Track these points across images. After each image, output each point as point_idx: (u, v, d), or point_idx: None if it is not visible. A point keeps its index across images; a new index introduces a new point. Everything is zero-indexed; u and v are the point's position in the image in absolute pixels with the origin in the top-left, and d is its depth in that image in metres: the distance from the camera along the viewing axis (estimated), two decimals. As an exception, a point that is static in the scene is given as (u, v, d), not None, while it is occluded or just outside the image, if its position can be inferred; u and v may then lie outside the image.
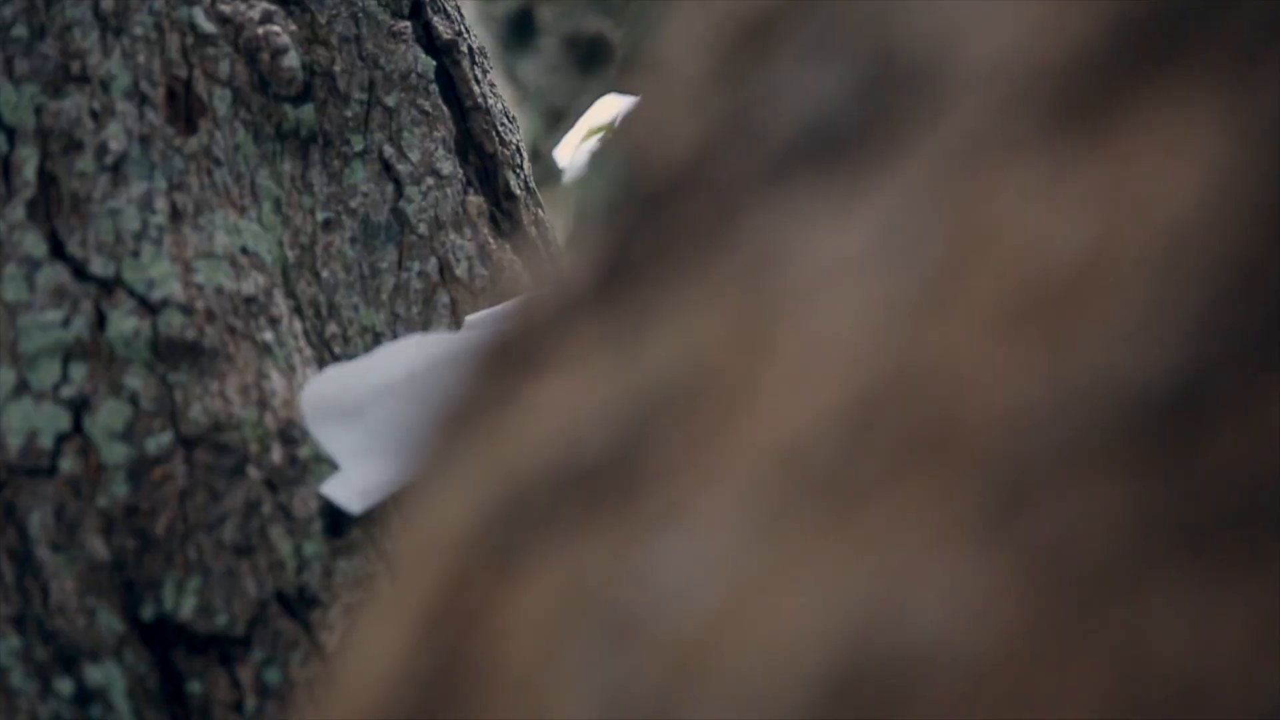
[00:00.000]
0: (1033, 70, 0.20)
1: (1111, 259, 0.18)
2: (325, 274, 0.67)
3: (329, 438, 0.60)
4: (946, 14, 0.21)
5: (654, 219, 0.22)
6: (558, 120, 1.84)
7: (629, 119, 0.26)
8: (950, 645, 0.18)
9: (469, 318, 0.66)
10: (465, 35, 0.74)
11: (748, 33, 0.23)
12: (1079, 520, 0.17)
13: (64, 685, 0.58)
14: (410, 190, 0.70)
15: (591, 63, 1.98)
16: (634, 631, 0.20)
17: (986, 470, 0.18)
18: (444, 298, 0.68)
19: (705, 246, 0.21)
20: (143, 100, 0.64)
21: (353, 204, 0.69)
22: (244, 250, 0.64)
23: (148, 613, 0.58)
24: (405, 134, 0.70)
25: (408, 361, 0.62)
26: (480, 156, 0.73)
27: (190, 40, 0.66)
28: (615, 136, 0.26)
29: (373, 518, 0.61)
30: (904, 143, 0.20)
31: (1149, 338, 0.18)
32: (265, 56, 0.67)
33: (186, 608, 0.58)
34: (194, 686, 0.58)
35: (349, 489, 0.60)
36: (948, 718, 0.18)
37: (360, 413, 0.61)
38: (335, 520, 0.61)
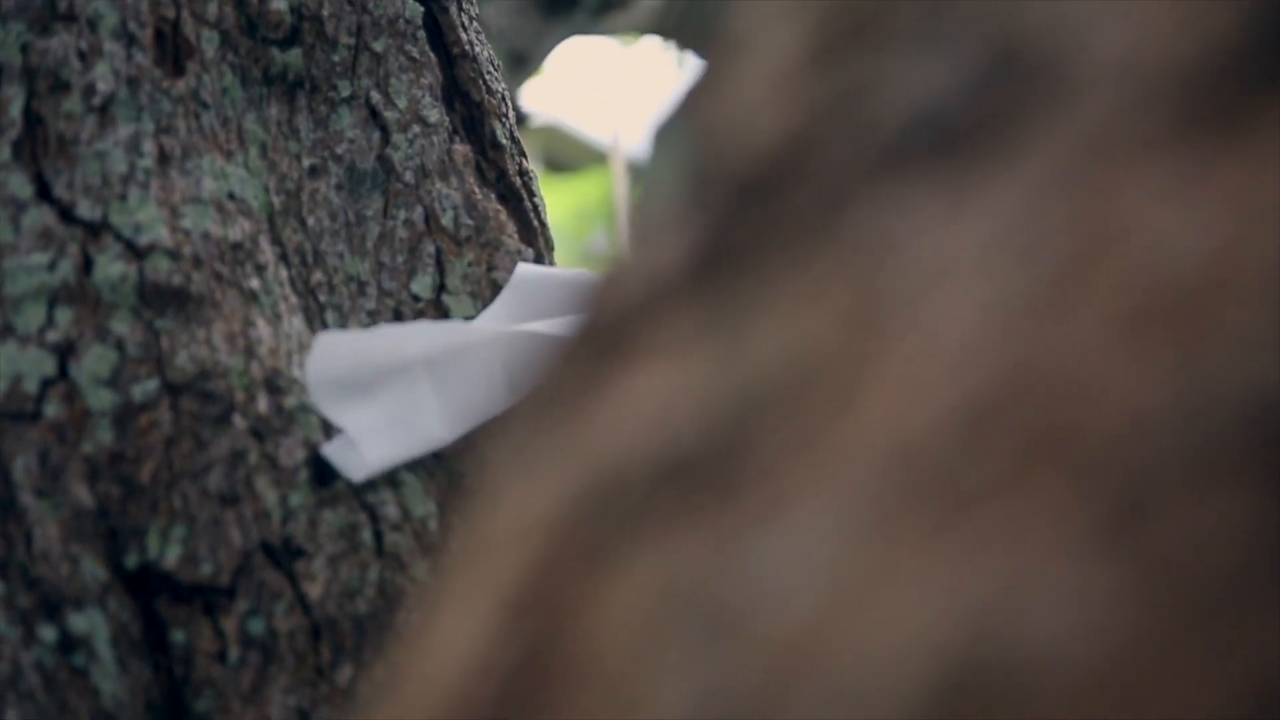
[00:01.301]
0: (1164, 69, 0.19)
1: (1242, 264, 0.18)
2: (311, 221, 0.66)
3: (337, 410, 0.60)
4: (1073, 7, 0.21)
5: (752, 207, 0.22)
6: (521, 63, 1.83)
7: (702, 98, 0.25)
8: (1064, 654, 0.18)
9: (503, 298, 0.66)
10: (453, -19, 0.73)
11: (852, 19, 0.22)
12: (1202, 532, 0.17)
13: (47, 633, 0.57)
14: (397, 137, 0.69)
15: (556, 6, 1.96)
16: (734, 629, 0.20)
17: (1107, 478, 0.18)
18: (429, 247, 0.68)
19: (810, 237, 0.21)
20: (130, 41, 0.63)
21: (339, 150, 0.68)
22: (231, 196, 0.63)
23: (132, 561, 0.58)
24: (392, 80, 0.69)
25: (425, 346, 0.62)
26: (466, 104, 0.72)
27: (178, -21, 0.65)
28: (683, 115, 0.26)
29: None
30: (1023, 139, 0.20)
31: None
32: (253, -2, 0.66)
33: (171, 556, 0.58)
34: (177, 636, 0.58)
35: (354, 458, 0.60)
36: (1062, 726, 0.18)
37: (371, 390, 0.61)
38: (321, 471, 0.61)
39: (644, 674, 0.20)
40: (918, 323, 0.19)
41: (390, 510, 0.61)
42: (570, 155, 4.03)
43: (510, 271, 0.69)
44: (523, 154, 0.74)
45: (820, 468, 0.19)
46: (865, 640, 0.19)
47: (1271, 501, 0.17)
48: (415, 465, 0.63)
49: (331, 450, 0.60)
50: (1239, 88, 0.19)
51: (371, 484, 0.61)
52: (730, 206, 0.23)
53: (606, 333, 0.23)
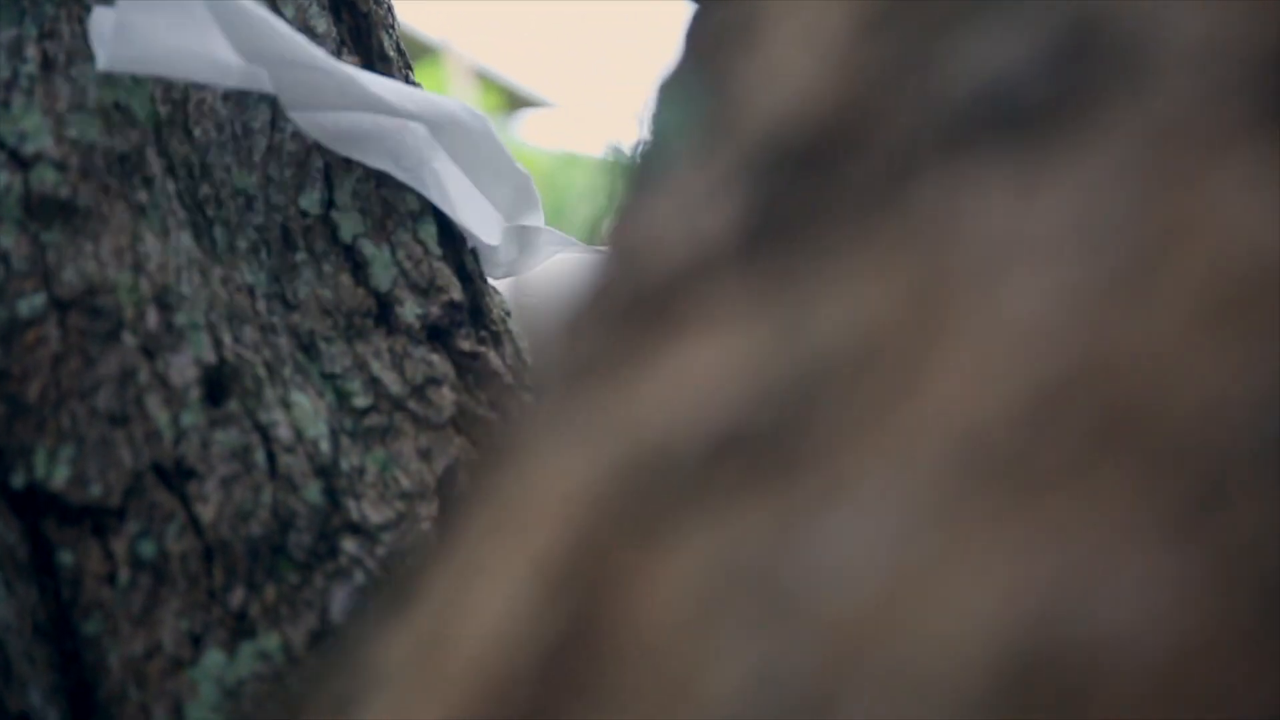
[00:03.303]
0: (1244, 56, 0.19)
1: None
2: (198, 132, 0.64)
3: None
4: None
5: (806, 177, 0.21)
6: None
7: (727, 60, 0.25)
8: (1136, 642, 0.18)
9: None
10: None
11: None
12: (1278, 522, 0.18)
13: (-70, 554, 0.55)
14: (284, 48, 0.67)
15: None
16: (792, 610, 0.20)
17: (1181, 466, 0.18)
18: (317, 162, 0.67)
19: (873, 211, 0.21)
20: (13, -60, 0.60)
21: (225, 59, 0.66)
22: (117, 105, 0.61)
23: (18, 481, 0.56)
24: (280, -12, 0.68)
25: None
26: (354, 15, 0.71)
27: (61, -125, 0.62)
28: (701, 73, 0.25)
29: (245, 388, 0.60)
30: (1099, 121, 0.20)
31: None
32: (140, -102, 0.63)
33: (59, 477, 0.56)
34: (65, 557, 0.57)
35: (112, 43, 0.58)
36: (1128, 716, 0.18)
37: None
38: (214, 390, 0.60)
39: (696, 652, 0.20)
40: (988, 303, 0.19)
41: (283, 432, 0.60)
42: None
43: (397, 188, 0.68)
44: (408, 67, 0.73)
45: (885, 447, 0.19)
46: (928, 624, 0.19)
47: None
48: (307, 386, 0.62)
49: (94, 22, 0.58)
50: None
51: (264, 404, 0.60)
52: (781, 176, 0.22)
53: (649, 302, 0.23)
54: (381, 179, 0.67)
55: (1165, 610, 0.18)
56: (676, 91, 0.26)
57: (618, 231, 0.24)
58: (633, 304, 0.23)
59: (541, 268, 0.79)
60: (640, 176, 0.25)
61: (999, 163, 0.20)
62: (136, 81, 0.62)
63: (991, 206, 0.20)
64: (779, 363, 0.20)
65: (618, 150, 0.29)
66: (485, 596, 0.22)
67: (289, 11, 0.67)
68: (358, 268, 0.66)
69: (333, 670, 0.27)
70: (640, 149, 0.27)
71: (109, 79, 0.61)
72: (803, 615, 0.19)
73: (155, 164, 0.62)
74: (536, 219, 0.74)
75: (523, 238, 0.74)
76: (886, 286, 0.20)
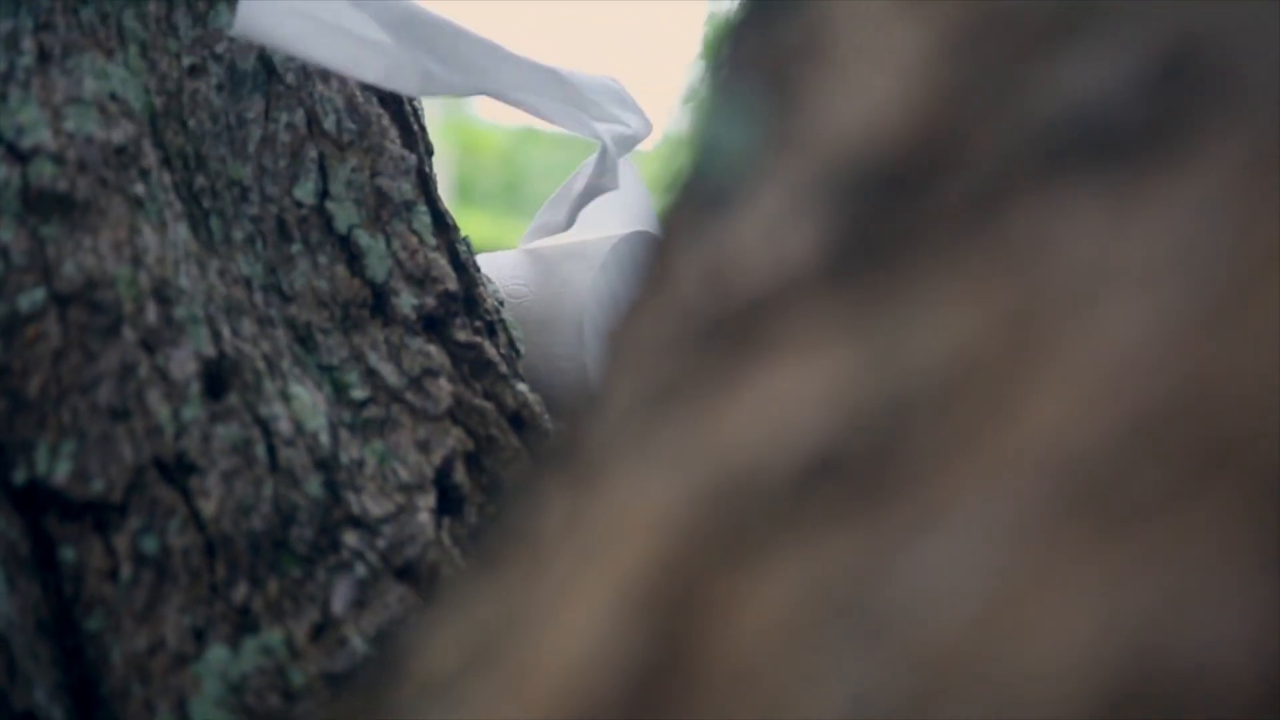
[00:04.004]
0: None
1: None
2: (192, 123, 0.64)
3: None
4: (1248, 9, 0.20)
5: (893, 201, 0.21)
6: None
7: (796, 76, 0.25)
8: (1235, 671, 0.18)
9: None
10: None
11: (994, 14, 0.22)
12: None
13: (-67, 552, 0.55)
14: (277, 37, 0.67)
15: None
16: (887, 635, 0.20)
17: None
18: (312, 151, 0.66)
19: (965, 236, 0.21)
20: (8, -70, 0.59)
21: (218, 49, 0.66)
22: (113, 96, 0.61)
23: (19, 477, 0.56)
24: (273, -23, 0.67)
25: None
26: (345, 4, 0.70)
27: None
28: (752, 84, 0.25)
29: (245, 382, 0.60)
30: (1196, 146, 0.20)
31: None
32: (134, -113, 0.63)
33: (60, 473, 0.56)
34: (67, 553, 0.56)
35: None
36: (1228, 741, 0.18)
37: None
38: (213, 384, 0.59)
39: (790, 678, 0.20)
40: (1084, 329, 0.19)
41: (283, 425, 0.60)
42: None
43: (392, 178, 0.68)
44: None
45: (980, 474, 0.20)
46: (1024, 651, 0.19)
47: None
48: (305, 378, 0.62)
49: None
50: None
51: (264, 397, 0.60)
52: (865, 198, 0.22)
53: (733, 324, 0.23)
54: (376, 169, 0.67)
55: (1264, 638, 0.18)
56: (735, 107, 0.26)
57: (693, 251, 0.24)
58: (716, 326, 0.23)
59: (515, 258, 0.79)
60: (701, 193, 0.25)
61: (1093, 188, 0.20)
62: (132, 72, 0.62)
63: (1086, 232, 0.20)
64: (871, 387, 0.21)
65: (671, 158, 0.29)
66: (572, 621, 0.22)
67: None
68: (353, 259, 0.66)
69: (398, 694, 0.27)
70: (694, 162, 0.27)
71: (104, 71, 0.61)
72: (898, 641, 0.20)
73: (151, 156, 0.61)
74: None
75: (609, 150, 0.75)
76: (980, 312, 0.20)
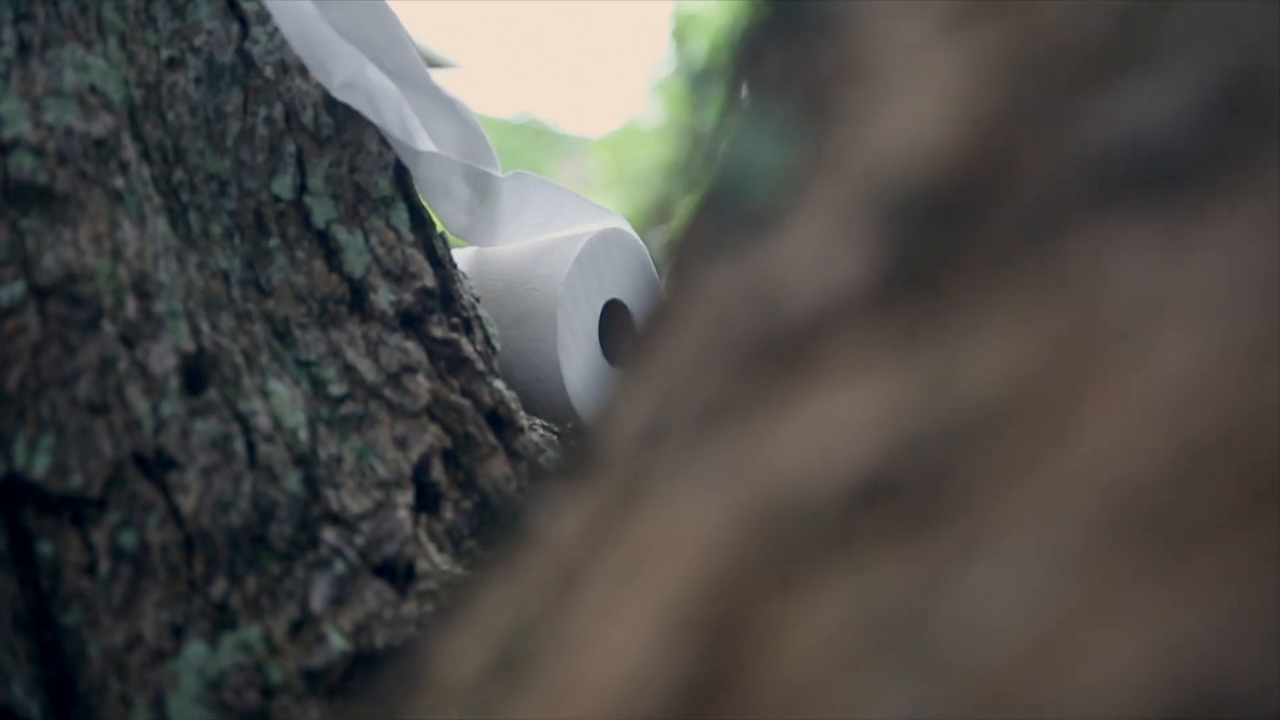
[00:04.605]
0: None
1: None
2: (171, 116, 0.64)
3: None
4: None
5: (943, 226, 0.22)
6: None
7: (835, 97, 0.25)
8: None
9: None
10: None
11: (1042, 41, 0.22)
12: None
13: (-90, 546, 0.55)
14: (256, 31, 0.67)
15: None
16: (938, 660, 0.20)
17: None
18: (290, 146, 0.66)
19: (1017, 264, 0.21)
20: (-11, -81, 0.59)
21: (197, 42, 0.65)
22: (92, 89, 0.60)
23: (-3, 471, 0.56)
24: (252, -30, 0.67)
25: None
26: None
27: None
28: (788, 104, 0.25)
29: (224, 377, 0.60)
30: (1251, 179, 0.20)
31: None
32: (117, -122, 0.62)
33: (39, 466, 0.56)
34: (44, 548, 0.56)
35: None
36: (1279, 771, 0.19)
37: None
38: (192, 379, 0.59)
39: (839, 701, 0.21)
40: (1137, 359, 0.20)
41: (262, 421, 0.60)
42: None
43: (370, 173, 0.67)
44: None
45: (1031, 500, 0.20)
46: (1075, 678, 0.20)
47: None
48: (283, 374, 0.62)
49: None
50: None
51: (243, 393, 0.60)
52: (914, 223, 0.22)
53: (779, 347, 0.23)
54: (355, 165, 0.67)
55: (1314, 667, 0.18)
56: (768, 126, 0.26)
57: (736, 272, 0.24)
58: (762, 348, 0.23)
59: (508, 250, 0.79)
60: (737, 211, 0.25)
61: (1148, 218, 0.20)
62: (111, 64, 0.62)
63: (1140, 262, 0.20)
64: (921, 412, 0.21)
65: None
66: (615, 640, 0.22)
67: (260, -7, 0.67)
68: (331, 254, 0.66)
69: (417, 702, 0.27)
70: (726, 179, 0.27)
71: (83, 62, 0.60)
72: (949, 667, 0.20)
73: (130, 149, 0.61)
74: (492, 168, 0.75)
75: (480, 183, 0.74)
76: (1033, 339, 0.20)
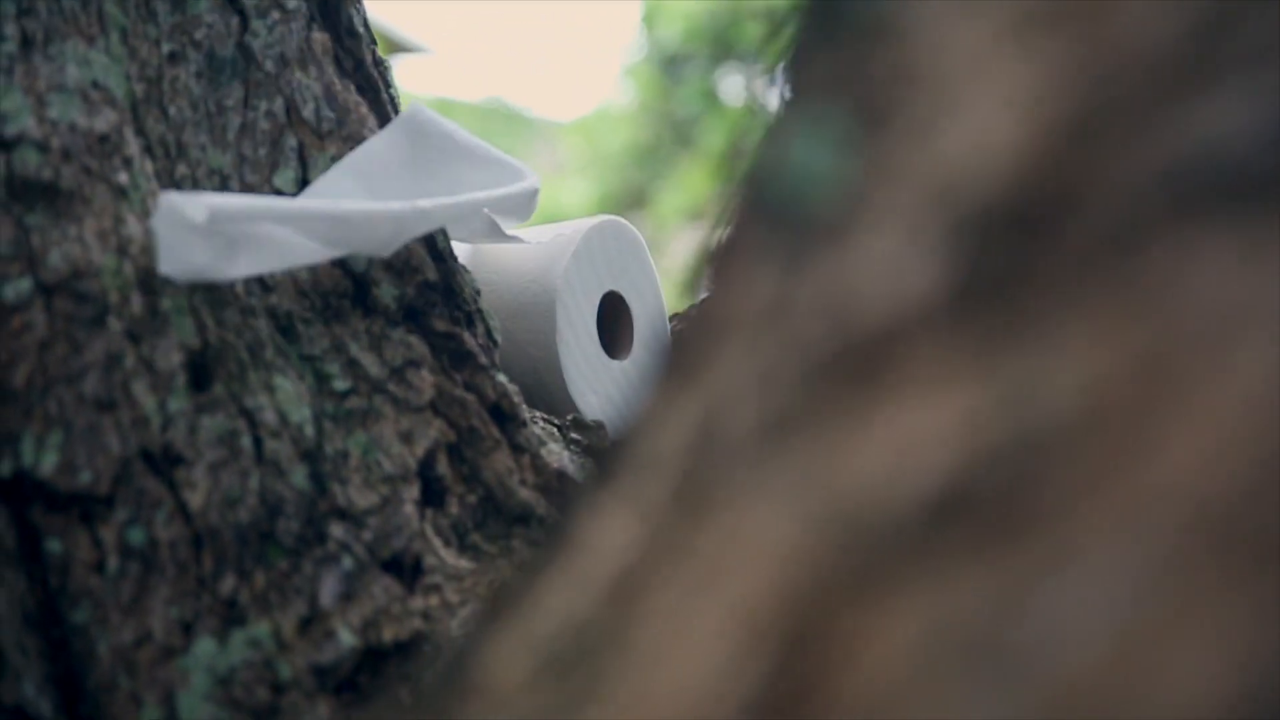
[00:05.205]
0: None
1: None
2: (173, 111, 0.63)
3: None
4: None
5: (1018, 238, 0.22)
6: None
7: (889, 101, 0.25)
8: None
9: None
10: None
11: (1132, 53, 0.22)
12: None
13: (-81, 545, 0.54)
14: (256, 24, 0.66)
15: None
16: (1020, 671, 0.20)
17: None
18: (291, 140, 0.66)
19: (1096, 276, 0.21)
20: (-9, -87, 0.58)
21: (197, 36, 0.65)
22: (95, 84, 0.60)
23: (5, 468, 0.55)
24: (251, -37, 0.67)
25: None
26: (322, -10, 0.70)
27: None
28: (844, 111, 0.25)
29: (230, 372, 0.60)
30: None
31: None
32: None
33: (47, 464, 0.56)
34: (53, 545, 0.56)
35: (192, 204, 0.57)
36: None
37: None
38: (198, 374, 0.59)
39: (919, 710, 0.21)
40: (1219, 371, 0.20)
41: (269, 416, 0.60)
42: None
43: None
44: (374, 42, 0.72)
45: (1112, 512, 0.20)
46: (1156, 690, 0.20)
47: None
48: (288, 369, 0.62)
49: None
50: None
51: (249, 388, 0.60)
52: (988, 235, 0.22)
53: (852, 359, 0.23)
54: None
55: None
56: (822, 132, 0.26)
57: (802, 281, 0.24)
58: (834, 360, 0.23)
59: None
60: (793, 218, 0.25)
61: (1227, 231, 0.20)
62: (113, 59, 0.61)
63: (1221, 275, 0.20)
64: (1001, 425, 0.21)
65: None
66: (689, 650, 0.23)
67: (260, -14, 0.66)
68: (333, 248, 0.66)
69: (465, 707, 0.27)
70: (776, 185, 0.27)
71: (86, 57, 0.60)
72: (1032, 677, 0.20)
73: (133, 144, 0.61)
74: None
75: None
76: (1112, 351, 0.21)
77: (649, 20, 5.45)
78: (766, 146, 0.29)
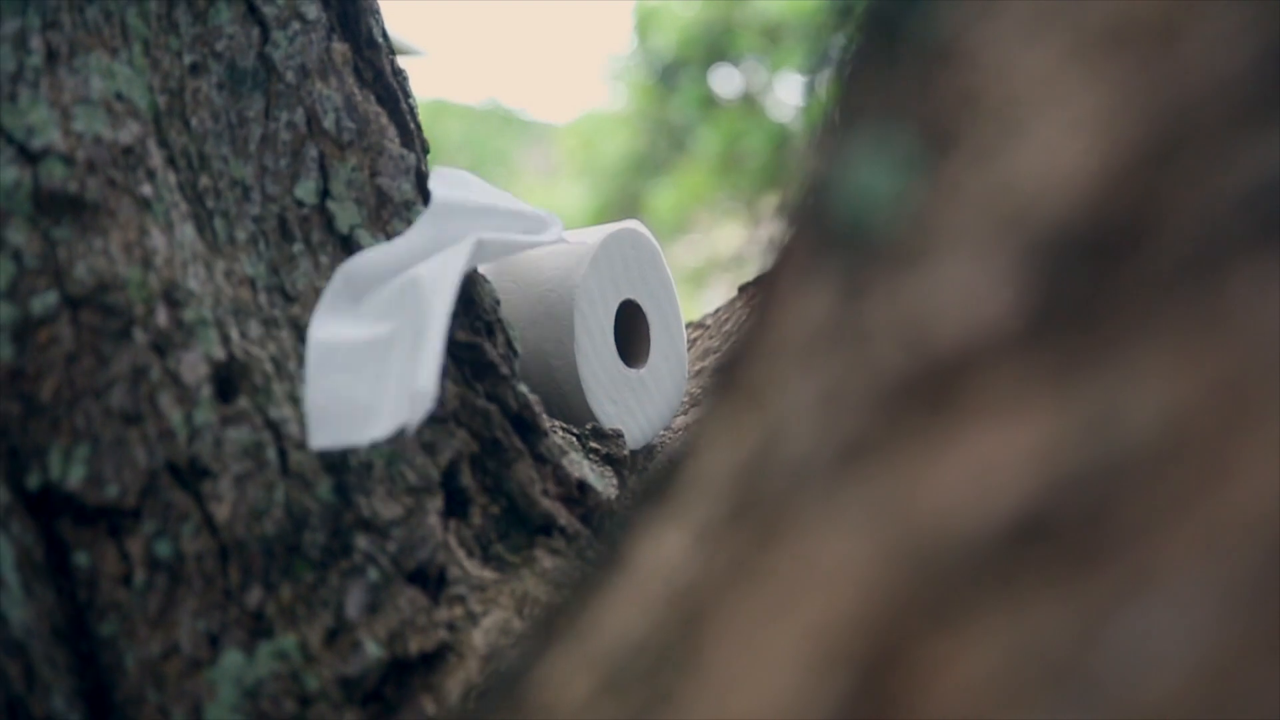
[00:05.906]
0: None
1: None
2: (194, 122, 0.63)
3: (316, 378, 0.59)
4: None
5: (1094, 265, 0.22)
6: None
7: (956, 125, 0.25)
8: None
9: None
10: None
11: (1209, 82, 0.22)
12: None
13: (-52, 559, 0.54)
14: (276, 34, 0.66)
15: None
16: (1100, 698, 0.20)
17: None
18: (312, 151, 0.66)
19: (1176, 304, 0.21)
20: (17, -74, 0.58)
21: (218, 47, 0.65)
22: (119, 96, 0.60)
23: (33, 481, 0.55)
24: (272, -26, 0.67)
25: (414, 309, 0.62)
26: (341, 1, 0.70)
27: None
28: (906, 133, 0.25)
29: (255, 385, 0.60)
30: None
31: None
32: (140, -117, 0.62)
33: (74, 477, 0.56)
34: (80, 558, 0.56)
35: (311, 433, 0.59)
36: None
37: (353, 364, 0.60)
38: (224, 387, 0.59)
39: (1001, 735, 0.21)
40: None
41: (294, 428, 0.60)
42: None
43: (392, 177, 0.67)
44: (394, 53, 0.73)
45: (1192, 539, 0.20)
46: (1243, 715, 0.20)
47: None
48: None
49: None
50: None
51: (274, 400, 0.60)
52: (1064, 261, 0.22)
53: (926, 384, 0.23)
54: (376, 169, 0.67)
55: None
56: (886, 155, 0.26)
57: (874, 306, 0.24)
58: (908, 385, 0.23)
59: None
60: (857, 241, 0.25)
61: None
62: (136, 71, 0.61)
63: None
64: (1080, 451, 0.21)
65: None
66: (766, 677, 0.23)
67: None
68: (355, 259, 0.66)
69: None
70: (838, 206, 0.27)
71: (109, 70, 0.60)
72: (1112, 704, 0.20)
73: (157, 156, 0.61)
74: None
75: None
76: (1192, 377, 0.21)
77: (642, 27, 5.45)
78: (820, 167, 0.29)
